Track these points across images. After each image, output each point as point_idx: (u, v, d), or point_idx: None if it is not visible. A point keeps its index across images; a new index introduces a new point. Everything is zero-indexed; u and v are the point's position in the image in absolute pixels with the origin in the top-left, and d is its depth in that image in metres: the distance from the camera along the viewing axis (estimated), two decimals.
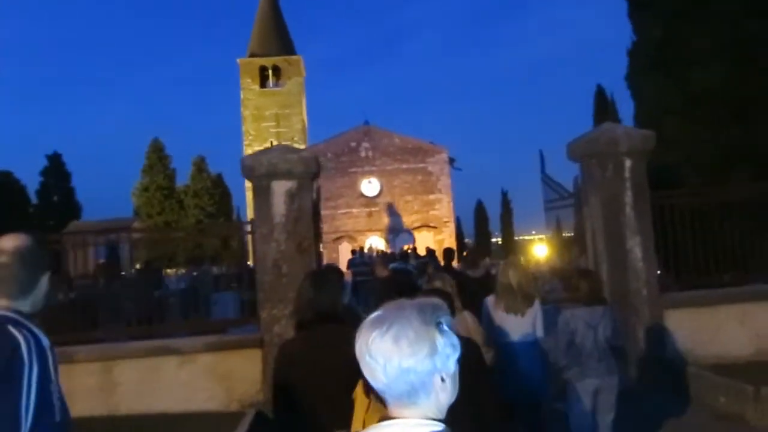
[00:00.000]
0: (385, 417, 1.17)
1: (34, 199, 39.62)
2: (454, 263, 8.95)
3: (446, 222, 34.33)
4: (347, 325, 3.39)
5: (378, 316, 1.16)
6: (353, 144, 34.58)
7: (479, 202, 41.45)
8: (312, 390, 2.66)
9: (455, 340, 1.15)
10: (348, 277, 11.83)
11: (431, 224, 33.92)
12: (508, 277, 4.34)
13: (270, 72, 39.73)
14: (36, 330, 1.74)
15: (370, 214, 34.17)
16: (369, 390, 3.49)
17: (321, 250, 7.59)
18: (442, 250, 9.02)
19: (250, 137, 38.41)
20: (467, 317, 3.98)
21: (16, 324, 1.68)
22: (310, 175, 6.03)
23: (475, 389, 2.28)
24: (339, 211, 33.97)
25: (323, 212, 32.57)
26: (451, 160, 35.01)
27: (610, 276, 5.93)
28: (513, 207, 41.02)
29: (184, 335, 6.33)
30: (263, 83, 39.77)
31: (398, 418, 1.14)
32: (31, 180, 39.99)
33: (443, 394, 1.13)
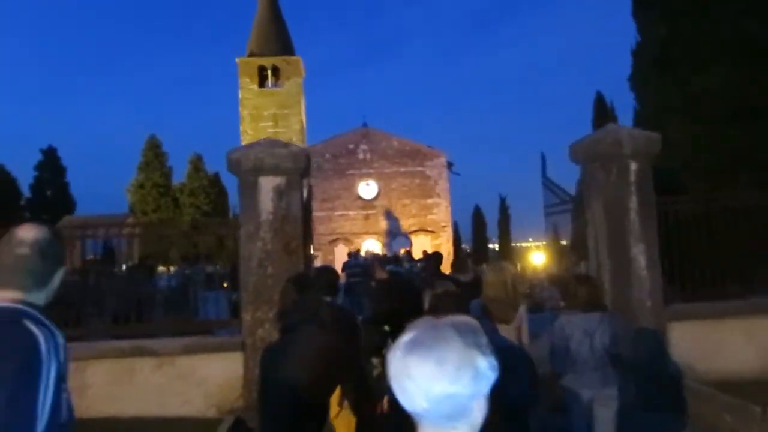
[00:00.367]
0: None
1: (27, 193, 39.33)
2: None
3: (444, 227, 34.08)
4: (331, 328, 3.26)
5: (415, 338, 1.13)
6: (351, 146, 34.34)
7: (477, 208, 41.19)
8: (295, 392, 2.66)
9: (494, 361, 1.15)
10: (342, 278, 11.65)
11: (428, 228, 33.68)
12: (488, 284, 4.32)
13: (269, 72, 39.50)
14: (51, 326, 1.66)
15: (367, 217, 33.91)
16: (342, 401, 3.36)
17: (312, 251, 7.32)
18: (428, 255, 8.82)
19: (248, 137, 38.09)
20: None
21: (33, 319, 1.61)
22: (299, 171, 5.74)
23: None
24: (335, 213, 33.72)
25: (319, 213, 32.40)
26: (450, 164, 34.78)
27: (613, 284, 5.65)
28: (511, 213, 40.78)
29: (168, 335, 6.04)
30: (262, 83, 39.54)
31: None
32: (25, 174, 39.72)
33: (479, 413, 1.15)
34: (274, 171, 5.61)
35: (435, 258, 7.92)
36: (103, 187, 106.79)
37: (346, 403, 3.39)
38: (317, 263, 26.01)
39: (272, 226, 5.58)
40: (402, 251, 20.26)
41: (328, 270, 4.52)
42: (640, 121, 9.95)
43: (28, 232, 1.72)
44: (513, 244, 40.30)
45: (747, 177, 8.14)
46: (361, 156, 34.16)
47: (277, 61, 39.47)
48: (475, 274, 7.76)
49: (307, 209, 6.25)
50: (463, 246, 39.18)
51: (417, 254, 20.84)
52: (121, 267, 9.33)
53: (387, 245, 32.27)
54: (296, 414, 2.68)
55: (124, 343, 5.71)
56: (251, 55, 39.78)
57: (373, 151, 34.09)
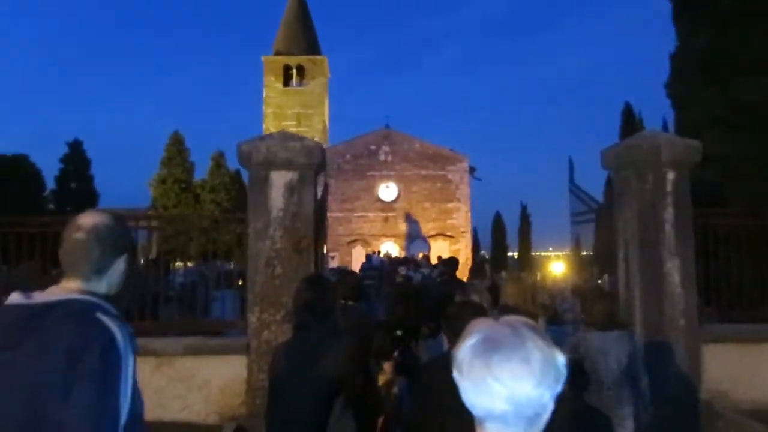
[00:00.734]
0: None
1: (51, 185, 39.82)
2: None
3: (463, 232, 33.66)
4: (347, 332, 3.28)
5: (489, 337, 1.09)
6: (373, 147, 34.12)
7: (497, 214, 40.66)
8: (302, 392, 2.66)
9: (564, 361, 1.12)
10: None
11: (448, 233, 33.29)
12: (507, 295, 4.17)
13: (294, 71, 39.56)
14: (120, 317, 1.63)
15: (386, 219, 33.65)
16: (345, 406, 3.19)
17: (328, 252, 7.05)
18: (443, 260, 8.56)
19: None
20: None
21: (105, 312, 1.58)
22: (313, 167, 5.45)
23: None
24: (355, 214, 33.52)
25: (338, 214, 32.22)
26: (472, 170, 34.36)
27: (643, 302, 5.26)
28: (532, 222, 40.19)
29: (174, 334, 5.78)
30: (287, 82, 39.61)
31: None
32: (51, 166, 40.22)
33: (548, 415, 1.11)
34: (287, 165, 5.33)
35: (450, 264, 7.62)
36: (127, 181, 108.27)
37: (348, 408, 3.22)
38: (333, 264, 25.83)
39: (282, 224, 5.29)
40: (420, 255, 19.95)
41: (349, 274, 4.37)
42: (678, 128, 9.52)
43: (87, 218, 1.69)
44: (533, 253, 39.71)
45: None
46: (382, 158, 33.92)
47: (303, 60, 39.49)
48: (493, 281, 7.50)
49: (321, 207, 5.95)
50: (482, 252, 38.69)
51: (434, 259, 20.51)
52: (139, 262, 9.14)
53: (405, 248, 31.96)
54: (304, 421, 2.65)
55: None
56: (277, 53, 39.86)
57: (394, 153, 33.83)
